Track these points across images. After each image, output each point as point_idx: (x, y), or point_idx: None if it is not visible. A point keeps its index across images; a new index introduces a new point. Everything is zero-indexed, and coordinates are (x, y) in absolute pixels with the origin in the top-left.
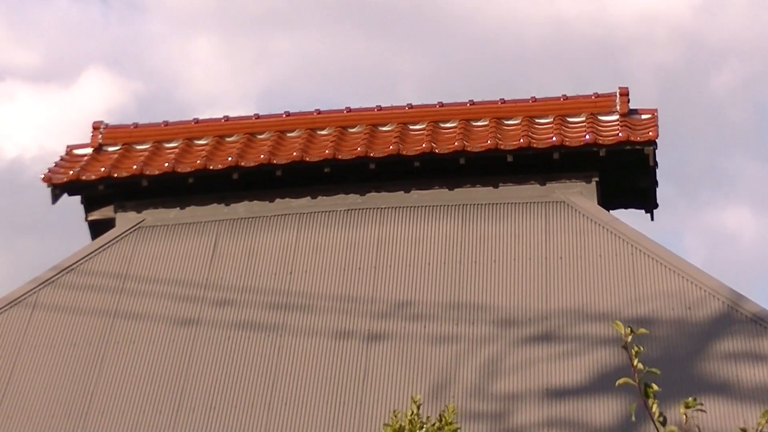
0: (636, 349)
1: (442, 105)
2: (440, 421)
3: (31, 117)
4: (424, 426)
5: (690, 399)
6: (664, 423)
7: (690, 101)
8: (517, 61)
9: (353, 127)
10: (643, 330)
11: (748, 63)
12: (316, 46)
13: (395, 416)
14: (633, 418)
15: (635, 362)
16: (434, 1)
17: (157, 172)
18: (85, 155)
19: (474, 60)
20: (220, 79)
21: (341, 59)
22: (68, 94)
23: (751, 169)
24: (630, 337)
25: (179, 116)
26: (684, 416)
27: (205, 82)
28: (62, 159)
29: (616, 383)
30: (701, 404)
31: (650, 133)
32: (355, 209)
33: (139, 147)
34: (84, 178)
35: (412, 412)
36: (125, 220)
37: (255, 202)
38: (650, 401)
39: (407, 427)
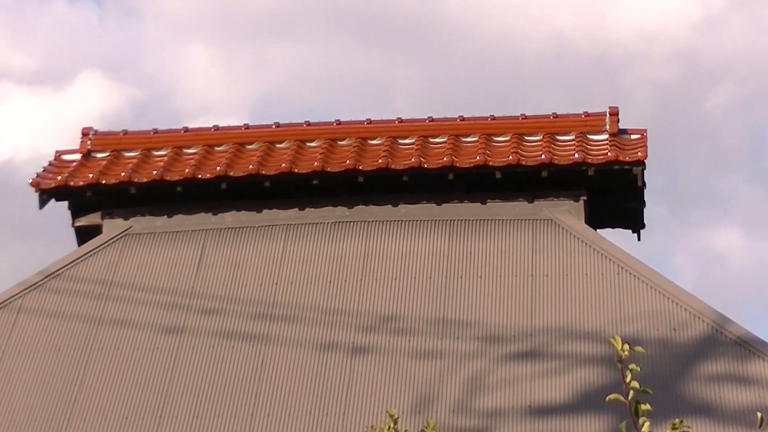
0: (632, 367)
1: (431, 120)
2: None
3: (25, 120)
4: None
5: (677, 420)
6: None
7: (686, 120)
8: (515, 78)
9: (343, 139)
10: (639, 348)
11: (745, 84)
12: (312, 56)
13: (373, 430)
14: None
15: (629, 379)
16: (433, 15)
17: (145, 180)
18: (73, 161)
19: (471, 75)
20: (216, 86)
21: (337, 70)
22: (62, 97)
23: (744, 191)
24: (626, 354)
25: (174, 123)
26: None
27: (200, 90)
28: (51, 164)
29: (607, 399)
30: (688, 427)
31: (639, 154)
32: (343, 222)
33: (128, 154)
34: (72, 184)
35: (389, 427)
36: (112, 226)
37: (243, 212)
38: (641, 420)
39: None
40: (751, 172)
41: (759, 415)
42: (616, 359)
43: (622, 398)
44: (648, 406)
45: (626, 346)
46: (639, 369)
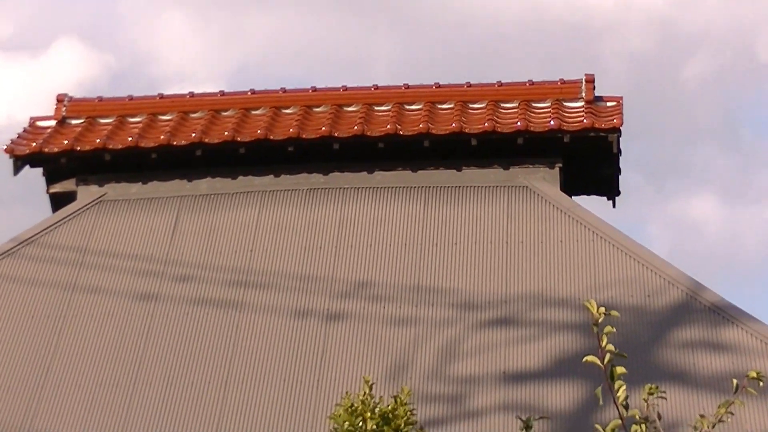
0: (607, 330)
1: (407, 87)
2: (395, 402)
3: (0, 86)
4: (377, 407)
5: (652, 386)
6: (627, 408)
7: (661, 90)
8: (493, 45)
9: (318, 106)
10: (615, 312)
11: (720, 55)
12: (290, 25)
13: (348, 396)
14: (600, 402)
15: (605, 343)
16: None
17: (120, 147)
18: (48, 128)
19: (448, 43)
20: (193, 54)
21: (314, 39)
22: (39, 64)
23: (719, 160)
24: (602, 318)
25: (151, 91)
26: (645, 402)
27: (177, 58)
28: (25, 131)
29: (584, 359)
30: (663, 392)
31: (615, 121)
32: (318, 189)
33: (102, 121)
34: (46, 150)
35: (365, 393)
36: (87, 193)
37: (217, 179)
38: (617, 384)
39: (360, 407)
40: (727, 142)
41: (734, 381)
42: (592, 322)
43: (598, 361)
44: (624, 370)
45: (602, 309)
46: (614, 331)
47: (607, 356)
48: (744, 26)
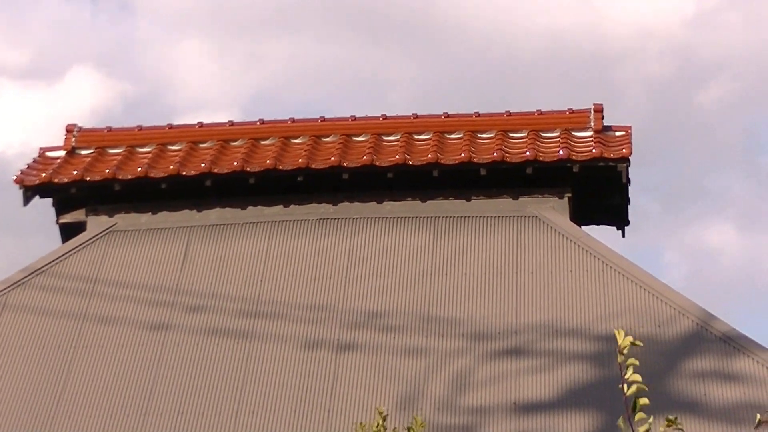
0: (631, 361)
1: (416, 116)
2: None
3: (16, 115)
4: None
5: (671, 417)
6: None
7: (679, 116)
8: (510, 73)
9: (327, 136)
10: (639, 342)
11: (739, 80)
12: (307, 52)
13: (361, 428)
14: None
15: (630, 373)
16: (429, 11)
17: (129, 177)
18: (57, 158)
19: (464, 71)
20: (209, 82)
21: (332, 66)
22: (54, 92)
23: (737, 187)
24: (628, 347)
25: (166, 119)
26: None
27: (193, 86)
28: (35, 161)
29: (619, 387)
30: (681, 424)
31: (624, 150)
32: (328, 219)
33: (112, 151)
34: (56, 180)
35: (378, 424)
36: (97, 223)
37: (227, 209)
38: (638, 416)
39: None
40: (745, 169)
41: (758, 416)
42: (618, 351)
43: (626, 390)
44: (647, 401)
45: (629, 338)
46: (638, 363)
47: (633, 387)
48: (764, 51)
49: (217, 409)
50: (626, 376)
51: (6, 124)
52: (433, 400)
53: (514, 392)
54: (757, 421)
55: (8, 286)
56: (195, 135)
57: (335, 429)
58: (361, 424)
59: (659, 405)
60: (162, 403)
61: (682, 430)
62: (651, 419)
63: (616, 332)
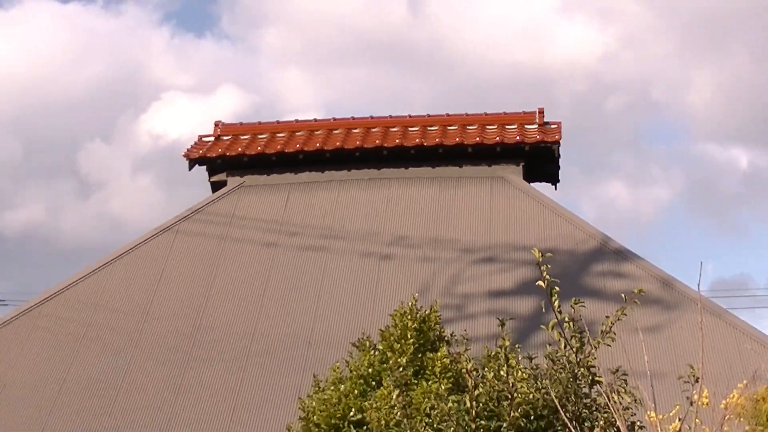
0: (545, 266)
1: (429, 116)
2: (431, 310)
3: (187, 115)
4: (419, 312)
5: (576, 299)
6: (560, 313)
7: (592, 117)
8: (485, 87)
9: (375, 128)
10: (549, 254)
11: (630, 95)
12: (359, 76)
13: (402, 305)
14: (543, 310)
15: (545, 274)
16: (439, 48)
17: (253, 153)
18: (209, 141)
19: (460, 88)
20: (303, 95)
21: (375, 86)
22: (209, 101)
23: (627, 162)
24: (542, 258)
25: (276, 118)
26: (572, 309)
27: (293, 96)
28: (195, 143)
29: (537, 284)
30: (583, 302)
31: (556, 137)
32: (374, 179)
33: (242, 137)
34: (208, 155)
35: (412, 303)
36: (233, 182)
37: (313, 172)
38: (553, 299)
39: (409, 313)
40: (632, 150)
41: (623, 296)
42: (536, 263)
43: (542, 285)
44: (558, 289)
45: (546, 254)
46: (549, 267)
47: (546, 282)
48: (646, 77)
49: (304, 296)
50: (544, 275)
51: (180, 121)
52: (438, 290)
53: (487, 285)
54: (624, 298)
55: (179, 219)
56: (293, 127)
57: (382, 305)
58: (401, 302)
59: (575, 293)
60: (273, 295)
61: (584, 306)
62: (557, 299)
63: (533, 251)
